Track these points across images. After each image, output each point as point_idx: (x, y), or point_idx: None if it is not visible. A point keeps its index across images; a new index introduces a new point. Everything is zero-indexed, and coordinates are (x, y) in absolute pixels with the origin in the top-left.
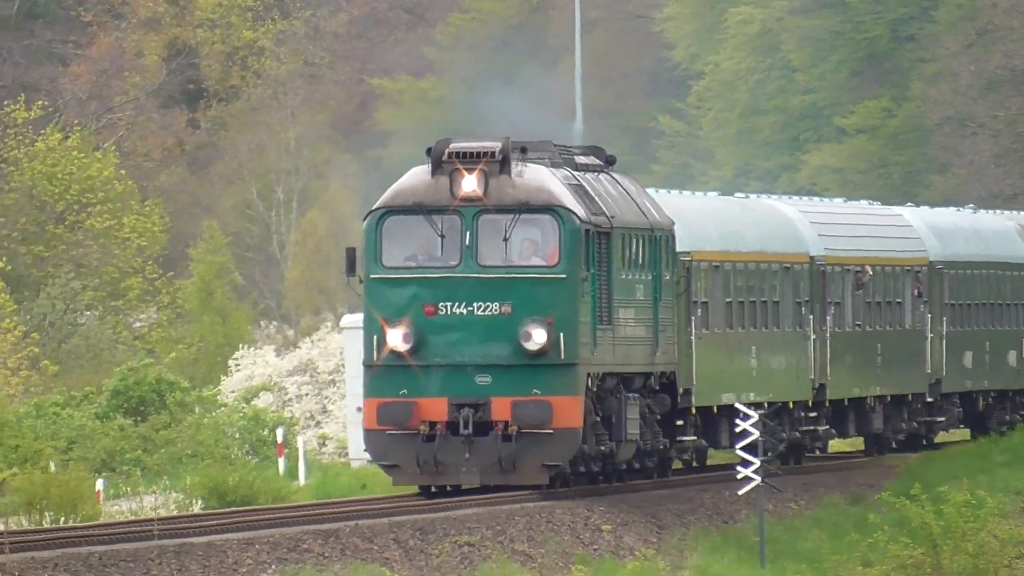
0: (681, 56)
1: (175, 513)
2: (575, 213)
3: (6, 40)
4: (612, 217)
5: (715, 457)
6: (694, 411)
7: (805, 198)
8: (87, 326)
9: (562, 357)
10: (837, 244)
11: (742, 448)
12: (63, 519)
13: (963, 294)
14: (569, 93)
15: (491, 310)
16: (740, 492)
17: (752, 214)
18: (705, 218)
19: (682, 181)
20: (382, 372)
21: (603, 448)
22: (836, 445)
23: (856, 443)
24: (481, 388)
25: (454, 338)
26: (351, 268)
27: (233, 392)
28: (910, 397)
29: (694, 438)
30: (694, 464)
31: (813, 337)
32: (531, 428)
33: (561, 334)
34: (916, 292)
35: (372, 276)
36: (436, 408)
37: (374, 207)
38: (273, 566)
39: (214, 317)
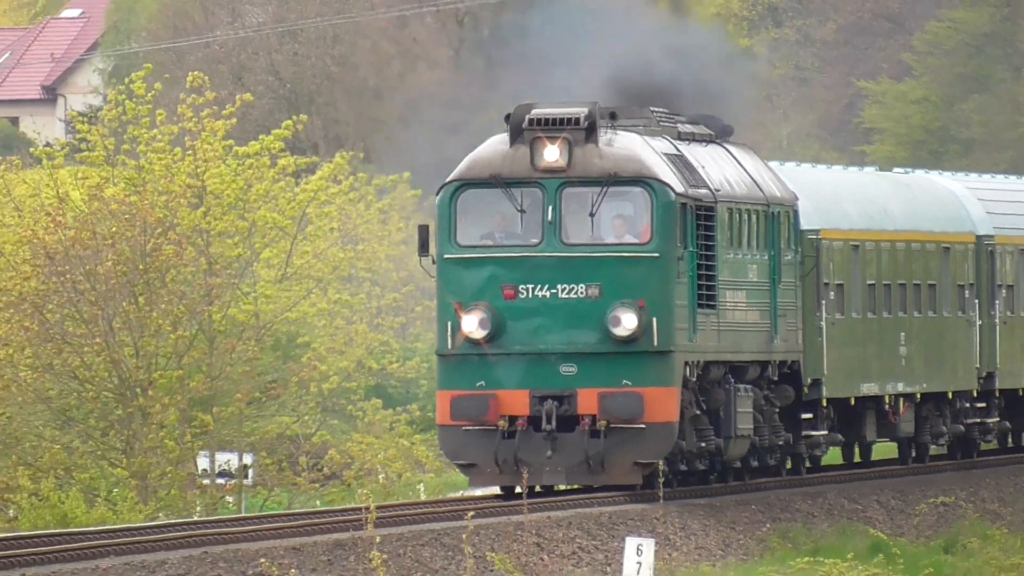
0: None
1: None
2: (669, 185)
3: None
4: (717, 191)
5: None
6: (825, 403)
7: (974, 174)
8: None
9: (655, 344)
10: (1010, 223)
11: None
12: None
13: None
14: None
15: (576, 292)
16: None
17: (906, 190)
18: (841, 193)
19: None
20: (457, 362)
21: (705, 444)
22: None
23: None
24: (566, 379)
25: (536, 324)
26: (424, 247)
27: None
28: None
29: (826, 432)
30: (857, 460)
31: (980, 323)
32: (621, 422)
33: (654, 319)
34: None
35: (446, 256)
36: (516, 401)
37: (447, 179)
38: (768, 524)
39: None
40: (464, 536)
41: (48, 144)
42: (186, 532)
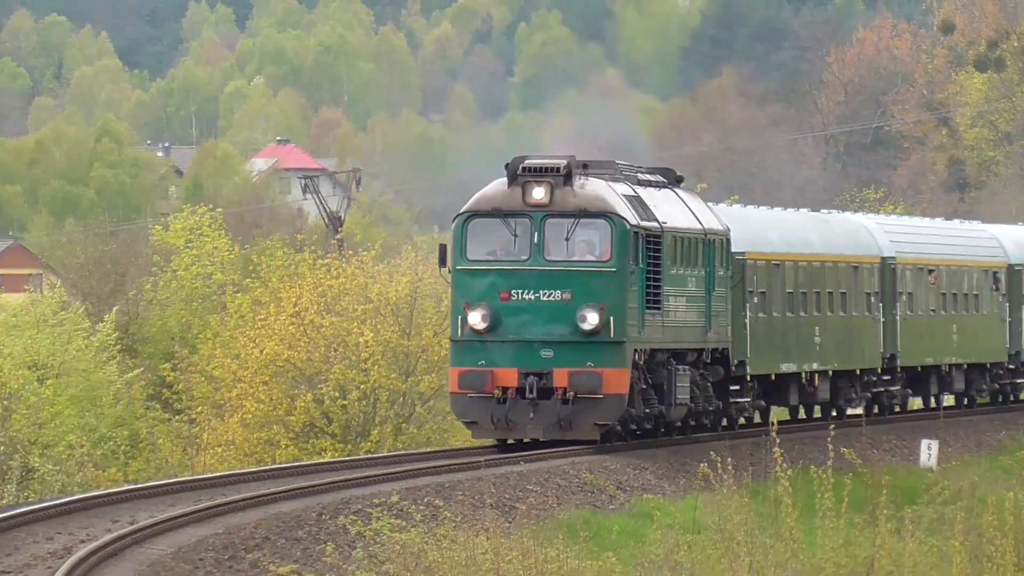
0: None
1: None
2: (625, 218)
3: None
4: (664, 223)
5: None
6: (749, 378)
7: (893, 216)
8: None
9: (612, 336)
10: (909, 248)
11: None
12: None
13: None
14: None
15: (554, 297)
16: None
17: (825, 225)
18: (768, 226)
19: None
20: (464, 346)
21: (650, 411)
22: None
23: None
24: (545, 360)
25: (524, 319)
26: (443, 261)
27: None
28: (988, 365)
29: (750, 399)
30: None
31: (883, 320)
32: (585, 394)
33: (611, 317)
34: (994, 287)
35: (458, 268)
36: (508, 376)
37: (460, 211)
38: (1003, 431)
39: None
40: (828, 438)
41: None
42: (571, 457)
